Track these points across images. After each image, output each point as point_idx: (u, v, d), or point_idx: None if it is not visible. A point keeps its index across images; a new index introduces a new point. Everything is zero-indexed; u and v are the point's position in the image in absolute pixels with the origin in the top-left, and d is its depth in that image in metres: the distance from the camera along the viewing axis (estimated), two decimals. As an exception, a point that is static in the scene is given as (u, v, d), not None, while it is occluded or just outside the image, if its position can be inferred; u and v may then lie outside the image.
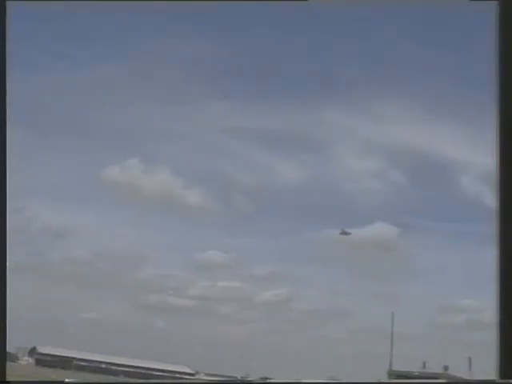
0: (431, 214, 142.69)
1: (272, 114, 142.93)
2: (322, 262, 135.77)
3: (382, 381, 59.85)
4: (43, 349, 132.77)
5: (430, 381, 60.23)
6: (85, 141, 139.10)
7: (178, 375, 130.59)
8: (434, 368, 75.48)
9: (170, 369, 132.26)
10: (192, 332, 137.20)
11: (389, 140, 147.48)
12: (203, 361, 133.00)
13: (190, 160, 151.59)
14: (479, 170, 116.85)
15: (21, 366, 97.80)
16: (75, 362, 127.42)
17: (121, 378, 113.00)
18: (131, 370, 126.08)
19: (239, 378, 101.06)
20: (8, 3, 14.79)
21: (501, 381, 13.61)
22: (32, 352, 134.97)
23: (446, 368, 75.78)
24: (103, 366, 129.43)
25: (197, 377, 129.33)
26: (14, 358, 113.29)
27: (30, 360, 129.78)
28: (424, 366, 76.78)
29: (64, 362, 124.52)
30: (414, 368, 75.00)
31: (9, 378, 14.70)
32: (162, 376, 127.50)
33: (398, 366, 73.86)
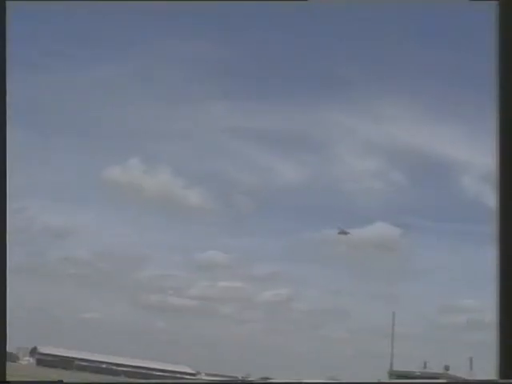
0: (431, 214, 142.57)
1: (272, 114, 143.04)
2: (322, 261, 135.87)
3: (382, 381, 59.88)
4: (44, 349, 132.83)
5: (431, 381, 60.17)
6: (85, 141, 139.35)
7: (178, 375, 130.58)
8: (435, 368, 75.46)
9: (171, 369, 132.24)
10: (192, 332, 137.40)
11: (389, 140, 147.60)
12: (204, 361, 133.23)
13: (190, 160, 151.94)
14: (479, 169, 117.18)
15: (22, 366, 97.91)
16: (76, 362, 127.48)
17: (122, 378, 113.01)
18: (132, 370, 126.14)
19: (240, 377, 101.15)
20: (8, 3, 14.80)
21: (501, 381, 13.61)
22: (33, 352, 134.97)
23: (446, 368, 75.75)
24: (104, 366, 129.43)
25: (197, 377, 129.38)
26: (15, 358, 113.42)
27: (31, 360, 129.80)
28: (425, 366, 76.76)
29: (65, 362, 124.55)
30: (415, 368, 75.00)
31: (10, 379, 14.71)
32: (163, 376, 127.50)
33: (399, 366, 73.91)
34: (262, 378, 67.10)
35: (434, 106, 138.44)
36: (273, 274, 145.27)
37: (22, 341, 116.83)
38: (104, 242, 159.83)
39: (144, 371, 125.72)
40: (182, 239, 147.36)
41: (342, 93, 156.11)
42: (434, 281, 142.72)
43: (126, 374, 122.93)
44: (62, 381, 16.67)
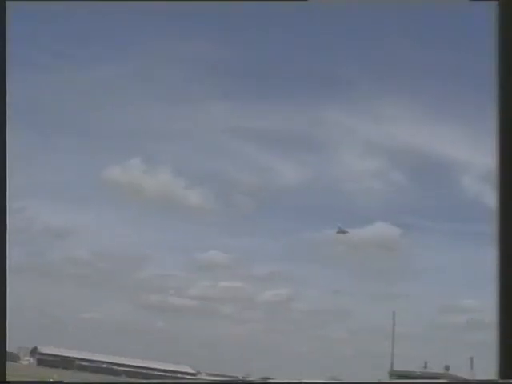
0: (431, 214, 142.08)
1: (272, 114, 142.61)
2: (322, 261, 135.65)
3: (382, 381, 59.93)
4: (44, 349, 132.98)
5: (432, 381, 60.26)
6: (85, 141, 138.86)
7: (179, 375, 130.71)
8: (436, 368, 75.60)
9: (172, 369, 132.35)
10: (193, 332, 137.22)
11: (389, 140, 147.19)
12: (204, 361, 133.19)
13: (190, 160, 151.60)
14: (479, 169, 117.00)
15: (22, 366, 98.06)
16: (77, 362, 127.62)
17: (122, 378, 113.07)
18: (133, 369, 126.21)
19: (240, 377, 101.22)
20: (8, 3, 14.81)
21: (501, 381, 13.61)
22: (33, 352, 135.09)
23: (447, 368, 75.90)
24: (105, 366, 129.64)
25: (198, 377, 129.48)
26: (16, 358, 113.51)
27: (32, 360, 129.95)
28: (425, 366, 76.89)
29: (66, 362, 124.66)
30: (416, 368, 75.12)
31: (10, 379, 14.72)
32: (164, 376, 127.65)
33: (399, 366, 74.03)
34: (262, 378, 67.15)
35: (434, 105, 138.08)
36: (273, 273, 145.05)
37: (23, 341, 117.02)
38: (104, 242, 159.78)
39: (145, 371, 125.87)
40: (182, 239, 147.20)
41: (341, 93, 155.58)
42: (434, 281, 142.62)
43: (126, 373, 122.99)
44: (62, 381, 16.69)
